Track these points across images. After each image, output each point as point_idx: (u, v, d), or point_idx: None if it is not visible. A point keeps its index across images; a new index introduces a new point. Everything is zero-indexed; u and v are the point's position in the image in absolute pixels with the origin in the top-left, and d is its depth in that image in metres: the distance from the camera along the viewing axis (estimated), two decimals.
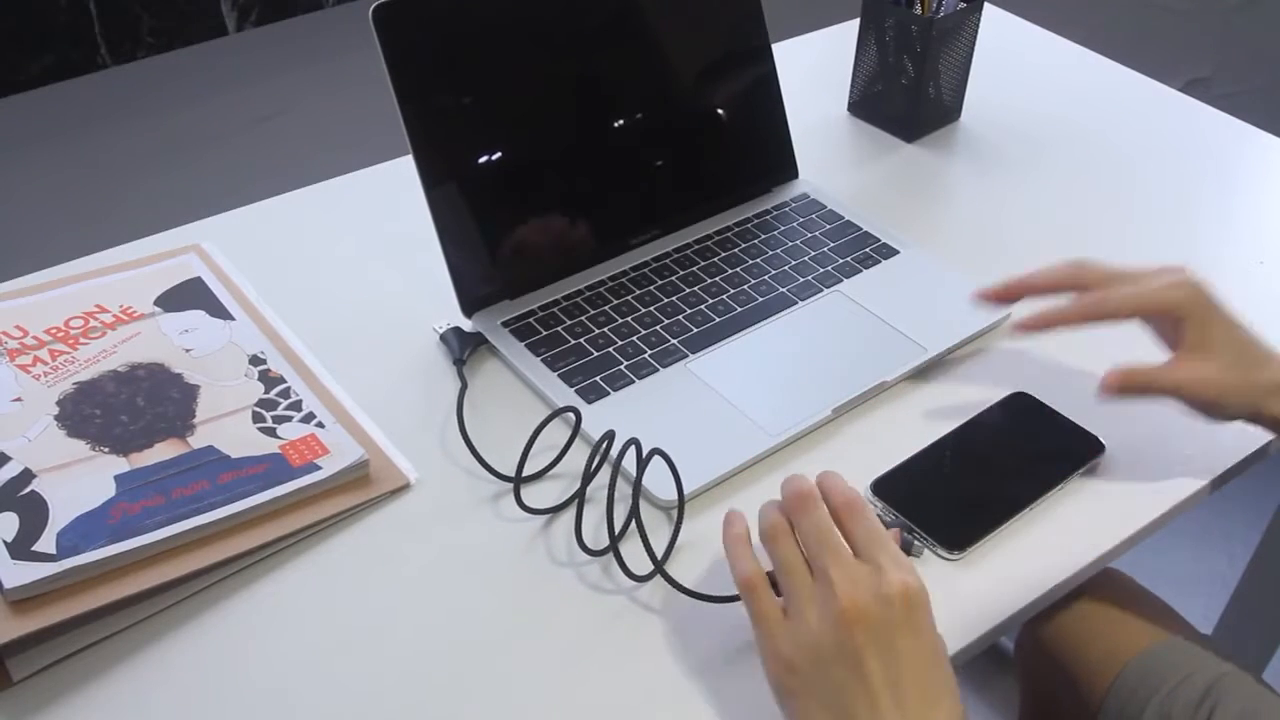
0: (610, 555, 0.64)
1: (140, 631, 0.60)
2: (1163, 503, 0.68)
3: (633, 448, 0.64)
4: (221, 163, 1.26)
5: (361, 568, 0.64)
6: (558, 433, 0.70)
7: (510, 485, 0.68)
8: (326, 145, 1.27)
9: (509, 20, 0.77)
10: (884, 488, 0.67)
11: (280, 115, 1.28)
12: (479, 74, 0.77)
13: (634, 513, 0.62)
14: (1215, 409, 0.65)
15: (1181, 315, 0.64)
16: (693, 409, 0.72)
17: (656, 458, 0.64)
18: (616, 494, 0.64)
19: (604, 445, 0.65)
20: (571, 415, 0.69)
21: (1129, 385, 0.65)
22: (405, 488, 0.68)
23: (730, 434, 0.70)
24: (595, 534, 0.66)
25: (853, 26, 1.04)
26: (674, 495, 0.64)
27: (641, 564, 0.63)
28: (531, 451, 0.67)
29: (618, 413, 0.71)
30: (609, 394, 0.73)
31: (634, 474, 0.63)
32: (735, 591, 0.55)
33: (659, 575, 0.62)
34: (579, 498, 0.64)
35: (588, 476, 0.64)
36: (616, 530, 0.63)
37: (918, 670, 0.50)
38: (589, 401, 0.72)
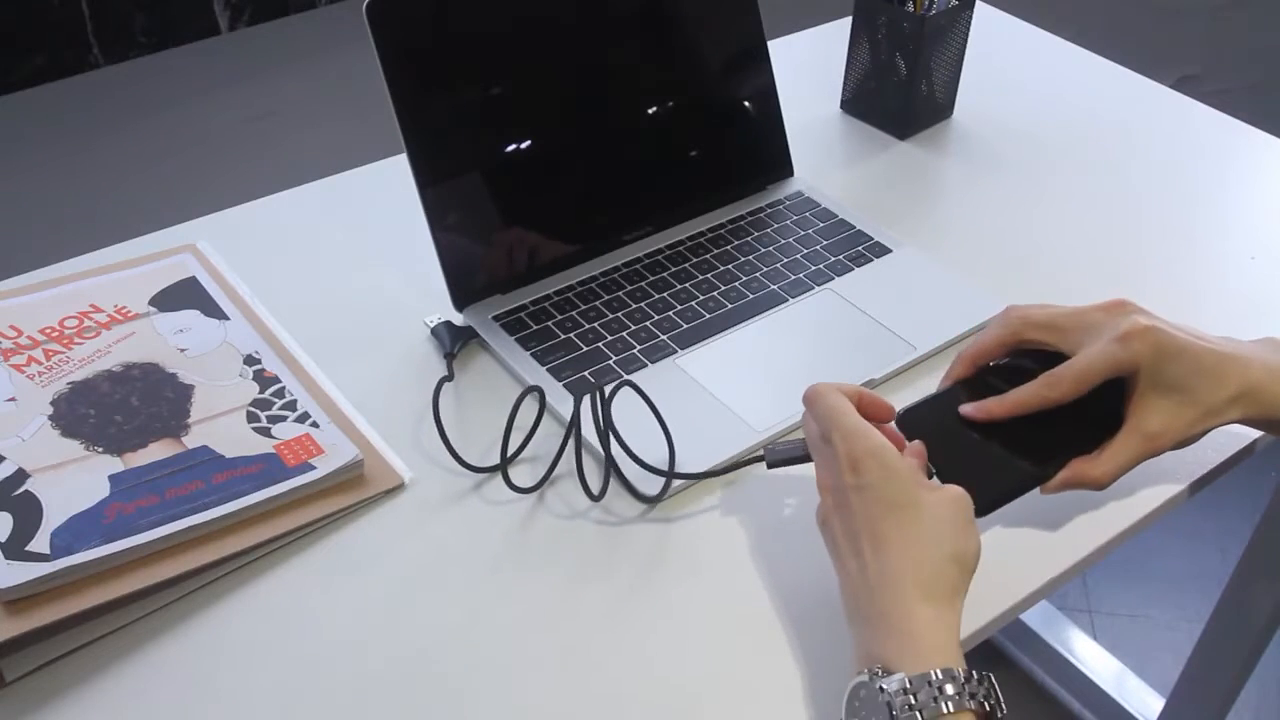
0: (636, 510, 0.65)
1: (134, 632, 0.60)
2: (1144, 505, 0.68)
3: (592, 397, 0.66)
4: (215, 162, 1.26)
5: (356, 567, 0.64)
6: (549, 422, 0.71)
7: (494, 474, 0.69)
8: (320, 144, 1.27)
9: (502, 17, 0.78)
10: (910, 423, 0.63)
11: (274, 114, 1.28)
12: (472, 71, 0.77)
13: (606, 452, 0.65)
14: (1185, 445, 0.63)
15: (1134, 370, 0.61)
16: (679, 405, 0.72)
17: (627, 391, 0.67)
18: (597, 450, 0.66)
19: (594, 404, 0.66)
20: (550, 398, 0.71)
21: (1073, 487, 0.63)
22: (399, 488, 0.68)
23: (716, 430, 0.71)
24: (574, 499, 0.67)
25: (845, 24, 1.04)
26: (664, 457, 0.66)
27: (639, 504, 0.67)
28: (524, 441, 0.69)
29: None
30: None
31: (612, 439, 0.66)
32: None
33: (670, 484, 0.67)
34: (577, 457, 0.66)
35: (566, 439, 0.66)
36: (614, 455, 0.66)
37: (867, 519, 0.55)
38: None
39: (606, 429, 0.66)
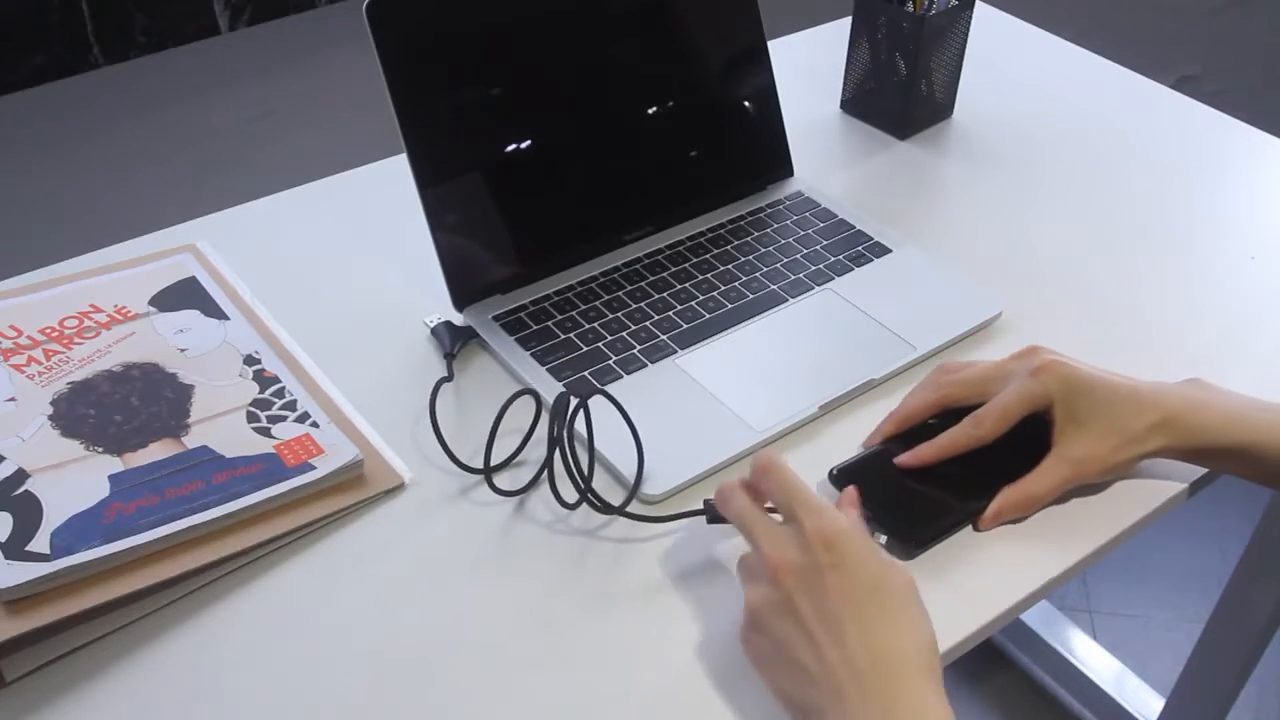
0: (613, 518, 0.65)
1: (134, 632, 0.60)
2: (1144, 505, 0.68)
3: (574, 403, 0.66)
4: (216, 162, 1.26)
5: (356, 567, 0.64)
6: (547, 421, 0.71)
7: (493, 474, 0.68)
8: (320, 144, 1.27)
9: (501, 17, 0.78)
10: (845, 478, 0.66)
11: (274, 114, 1.28)
12: (472, 70, 0.77)
13: (590, 457, 0.65)
14: (1106, 477, 0.66)
15: (1048, 403, 0.64)
16: (679, 404, 0.72)
17: (601, 401, 0.66)
18: (580, 451, 0.66)
19: (559, 413, 0.66)
20: (546, 396, 0.70)
21: (1006, 513, 0.65)
22: (399, 488, 0.68)
23: (716, 429, 0.71)
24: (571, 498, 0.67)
25: (845, 24, 1.04)
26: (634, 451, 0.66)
27: (609, 503, 0.66)
28: (521, 443, 0.68)
29: (604, 407, 0.72)
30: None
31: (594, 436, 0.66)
32: (693, 507, 0.63)
33: (621, 513, 0.65)
34: (548, 465, 0.65)
35: (553, 443, 0.65)
36: (584, 471, 0.65)
37: (851, 602, 0.51)
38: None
39: (592, 441, 0.66)
